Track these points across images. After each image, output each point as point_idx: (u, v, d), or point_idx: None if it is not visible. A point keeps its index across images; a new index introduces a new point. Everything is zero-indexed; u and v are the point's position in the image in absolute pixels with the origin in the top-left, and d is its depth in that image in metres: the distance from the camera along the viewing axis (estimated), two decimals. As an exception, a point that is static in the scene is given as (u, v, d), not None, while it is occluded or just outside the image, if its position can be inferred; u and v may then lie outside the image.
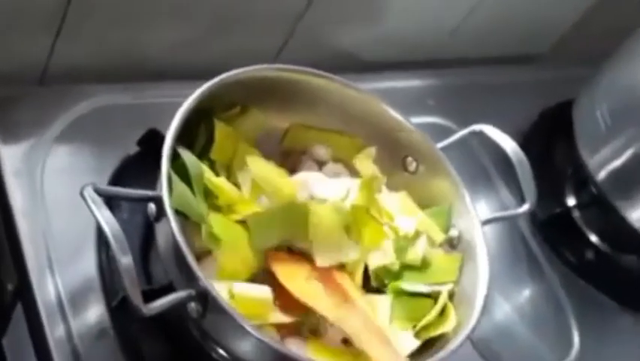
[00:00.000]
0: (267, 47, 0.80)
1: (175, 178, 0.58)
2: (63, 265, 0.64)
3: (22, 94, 0.70)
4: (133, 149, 0.69)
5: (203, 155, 0.63)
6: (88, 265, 0.65)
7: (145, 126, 0.68)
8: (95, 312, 0.63)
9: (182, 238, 0.55)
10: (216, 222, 0.59)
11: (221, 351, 0.58)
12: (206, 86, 0.62)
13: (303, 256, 0.62)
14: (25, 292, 0.63)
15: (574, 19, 0.97)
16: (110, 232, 0.52)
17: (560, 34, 0.99)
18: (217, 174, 0.62)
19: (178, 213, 0.56)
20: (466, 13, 0.89)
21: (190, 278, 0.55)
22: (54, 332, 0.61)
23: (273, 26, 0.80)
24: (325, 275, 0.61)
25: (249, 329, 0.53)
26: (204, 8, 0.74)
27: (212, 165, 0.63)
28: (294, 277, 0.60)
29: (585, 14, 0.96)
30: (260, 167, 0.63)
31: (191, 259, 0.54)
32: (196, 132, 0.64)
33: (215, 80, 0.62)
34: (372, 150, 0.69)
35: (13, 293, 0.66)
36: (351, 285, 0.62)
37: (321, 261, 0.61)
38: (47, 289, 0.63)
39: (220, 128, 0.63)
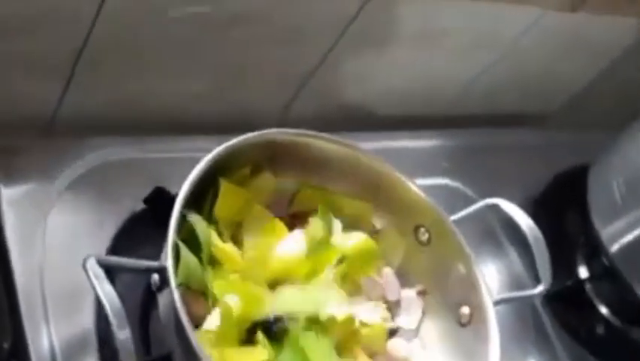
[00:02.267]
0: (277, 100, 0.80)
1: (183, 248, 0.57)
2: (59, 321, 0.63)
3: (28, 144, 0.70)
4: (139, 205, 0.68)
5: (211, 215, 0.63)
6: (85, 321, 0.63)
7: (153, 182, 0.68)
8: (89, 372, 0.61)
9: (184, 312, 0.54)
10: (220, 289, 0.58)
11: None
12: (215, 151, 0.61)
13: None
14: (19, 351, 0.62)
15: (586, 81, 0.96)
16: (110, 307, 0.52)
17: (572, 94, 0.98)
18: (220, 233, 0.62)
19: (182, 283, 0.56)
20: (480, 71, 0.88)
21: (189, 351, 0.54)
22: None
23: (285, 81, 0.79)
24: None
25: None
26: (215, 62, 0.74)
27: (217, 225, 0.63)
28: None
29: (598, 76, 0.96)
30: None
31: (191, 332, 0.54)
32: (204, 194, 0.63)
33: (225, 145, 0.62)
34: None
35: (7, 352, 0.63)
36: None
37: None
38: (42, 346, 0.61)
39: (225, 186, 0.63)
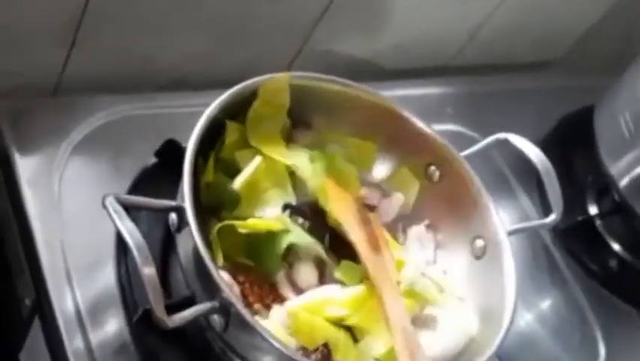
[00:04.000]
0: (281, 55, 0.80)
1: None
2: (82, 277, 0.63)
3: (37, 105, 0.70)
4: (151, 160, 0.69)
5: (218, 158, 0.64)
6: (107, 277, 0.64)
7: (162, 137, 0.68)
8: (114, 326, 0.62)
9: (205, 248, 0.54)
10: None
11: (244, 365, 0.58)
12: (225, 95, 0.62)
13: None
14: (43, 306, 0.63)
15: (588, 25, 0.97)
16: (134, 242, 0.51)
17: (574, 40, 0.98)
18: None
19: (199, 221, 0.56)
20: (483, 20, 0.89)
21: (213, 290, 0.55)
22: (73, 347, 0.60)
23: (288, 35, 0.79)
24: (367, 220, 0.64)
25: (273, 342, 0.54)
26: (218, 18, 0.74)
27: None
28: (341, 204, 0.64)
29: (600, 20, 0.96)
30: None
31: (214, 269, 0.54)
32: (214, 141, 0.64)
33: (233, 89, 0.62)
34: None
35: (30, 308, 0.65)
36: (385, 238, 0.65)
37: None
38: (66, 303, 0.62)
39: (231, 127, 0.63)
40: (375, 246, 0.64)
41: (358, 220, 0.65)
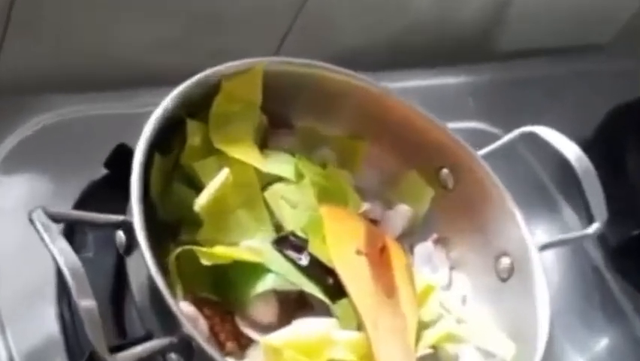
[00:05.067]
0: (260, 46, 0.80)
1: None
2: (17, 321, 0.62)
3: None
4: (100, 172, 0.68)
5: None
6: (48, 319, 0.63)
7: (114, 141, 0.67)
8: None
9: (159, 273, 0.53)
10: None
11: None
12: (183, 86, 0.61)
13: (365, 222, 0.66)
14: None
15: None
16: (66, 266, 0.50)
17: (623, 22, 0.98)
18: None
19: (153, 240, 0.54)
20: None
21: (171, 324, 0.53)
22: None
23: (268, 21, 0.79)
24: (377, 257, 0.64)
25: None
26: (185, 1, 0.74)
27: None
28: (342, 243, 0.63)
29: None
30: None
31: (170, 298, 0.53)
32: (172, 142, 0.63)
33: (193, 79, 0.61)
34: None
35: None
36: (405, 279, 0.64)
37: None
38: (-2, 354, 0.61)
39: (193, 127, 0.62)
40: (389, 289, 0.63)
41: (360, 263, 0.63)
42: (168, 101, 0.60)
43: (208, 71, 0.62)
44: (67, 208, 0.65)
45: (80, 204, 0.66)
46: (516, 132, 0.69)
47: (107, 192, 0.67)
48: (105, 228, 0.56)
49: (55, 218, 0.52)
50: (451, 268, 0.68)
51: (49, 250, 0.51)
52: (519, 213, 0.65)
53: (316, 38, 0.82)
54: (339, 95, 0.68)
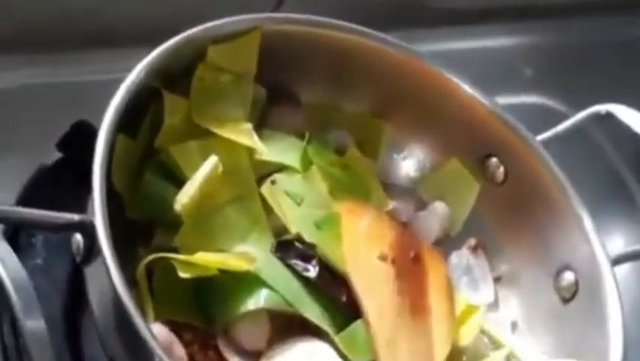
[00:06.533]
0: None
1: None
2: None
3: None
4: (53, 154, 0.69)
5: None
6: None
7: (71, 115, 0.68)
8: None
9: (124, 286, 0.53)
10: None
11: None
12: (159, 50, 0.61)
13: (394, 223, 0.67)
14: None
15: None
16: (9, 277, 0.51)
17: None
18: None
19: (118, 245, 0.54)
20: None
21: (137, 349, 0.53)
22: None
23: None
24: (408, 266, 0.64)
25: None
26: None
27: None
28: (362, 247, 0.64)
29: None
30: None
31: (138, 318, 0.52)
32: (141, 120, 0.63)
33: (172, 41, 0.62)
34: None
35: None
36: (442, 296, 0.65)
37: None
38: None
39: (171, 102, 0.62)
40: (419, 307, 0.63)
41: (384, 271, 0.64)
42: (140, 68, 0.60)
43: (191, 31, 0.62)
44: (10, 199, 0.66)
45: (26, 196, 0.67)
46: (587, 112, 0.69)
47: (60, 179, 0.67)
48: (58, 229, 0.56)
49: (-7, 215, 0.53)
50: (497, 284, 0.69)
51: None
52: (587, 217, 0.66)
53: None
54: (357, 61, 0.69)
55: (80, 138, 0.66)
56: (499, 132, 0.69)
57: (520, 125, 0.69)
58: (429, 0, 0.87)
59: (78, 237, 0.55)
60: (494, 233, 0.69)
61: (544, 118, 0.74)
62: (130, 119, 0.60)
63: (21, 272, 0.52)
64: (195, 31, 0.63)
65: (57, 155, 0.68)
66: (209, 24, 0.63)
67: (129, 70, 0.61)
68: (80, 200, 0.58)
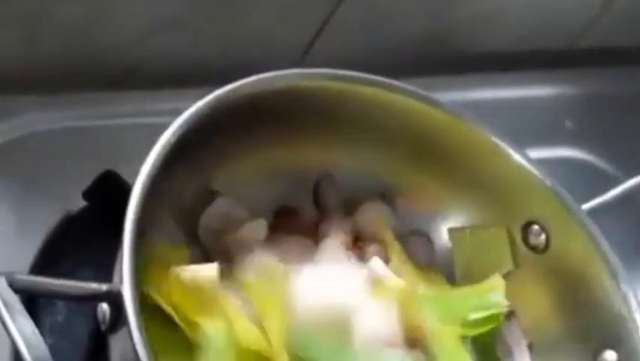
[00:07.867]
0: (290, 39, 0.82)
1: None
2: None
3: None
4: (78, 203, 0.69)
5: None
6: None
7: (100, 165, 0.68)
8: None
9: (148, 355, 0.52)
10: None
11: None
12: (202, 103, 0.60)
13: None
14: None
15: None
16: (28, 351, 0.51)
17: None
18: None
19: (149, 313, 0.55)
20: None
21: None
22: None
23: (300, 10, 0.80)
24: None
25: None
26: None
27: None
28: None
29: None
30: None
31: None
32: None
33: (220, 91, 0.61)
34: None
35: None
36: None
37: None
38: None
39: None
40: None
41: None
42: (176, 125, 0.59)
43: (228, 88, 0.61)
44: (34, 246, 0.67)
45: (46, 250, 0.67)
46: (636, 180, 0.69)
47: (87, 233, 0.68)
48: (85, 300, 0.56)
49: (19, 288, 0.53)
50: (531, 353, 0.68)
51: (8, 331, 0.52)
52: (634, 295, 0.64)
53: (356, 34, 0.83)
54: (380, 115, 0.67)
55: (106, 188, 0.67)
56: (542, 198, 0.67)
57: (563, 190, 0.67)
58: (457, 44, 0.87)
59: (104, 306, 0.55)
60: (528, 302, 0.68)
61: (585, 174, 0.74)
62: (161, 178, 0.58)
63: (42, 348, 0.52)
64: (234, 86, 0.62)
65: (82, 201, 0.68)
66: (238, 83, 0.62)
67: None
68: (105, 250, 0.57)
